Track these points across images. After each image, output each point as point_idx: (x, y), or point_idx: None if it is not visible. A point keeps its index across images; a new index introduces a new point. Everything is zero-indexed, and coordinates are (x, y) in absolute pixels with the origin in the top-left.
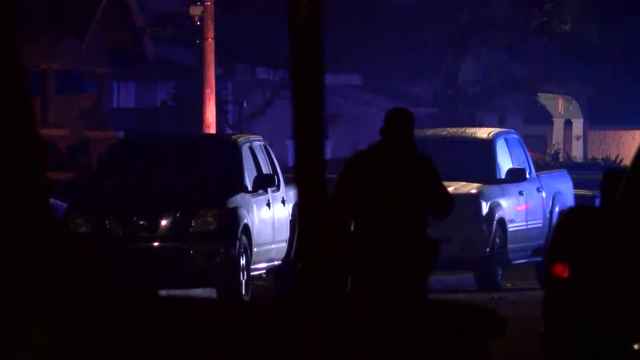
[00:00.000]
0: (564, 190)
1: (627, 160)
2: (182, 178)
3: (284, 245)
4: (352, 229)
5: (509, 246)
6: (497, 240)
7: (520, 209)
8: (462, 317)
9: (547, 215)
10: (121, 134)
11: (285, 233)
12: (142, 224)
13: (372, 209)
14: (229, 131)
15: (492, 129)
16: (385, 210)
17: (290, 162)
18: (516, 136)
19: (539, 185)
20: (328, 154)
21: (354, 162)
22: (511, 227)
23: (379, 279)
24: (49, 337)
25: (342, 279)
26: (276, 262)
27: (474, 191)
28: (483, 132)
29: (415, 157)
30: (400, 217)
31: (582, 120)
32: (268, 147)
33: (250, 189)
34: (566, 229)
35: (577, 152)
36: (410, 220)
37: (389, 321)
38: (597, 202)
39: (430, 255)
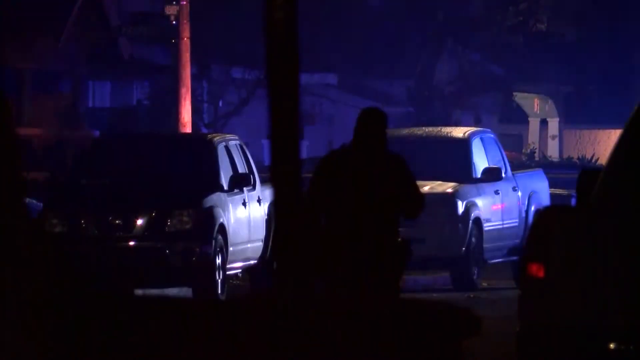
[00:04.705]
0: (539, 189)
1: (603, 159)
2: (158, 177)
3: (260, 244)
4: (324, 228)
5: (485, 245)
6: (473, 239)
7: (496, 209)
8: (436, 316)
9: (523, 214)
10: (97, 133)
11: (261, 232)
12: (118, 224)
13: (345, 209)
14: (204, 130)
15: (468, 128)
16: (357, 209)
17: (266, 161)
18: (492, 135)
19: (514, 184)
20: (304, 153)
21: (328, 161)
22: (487, 226)
23: (351, 279)
24: (29, 339)
25: (314, 278)
26: (252, 262)
27: (449, 190)
28: (459, 132)
29: (388, 156)
30: (372, 217)
31: (557, 119)
32: (244, 146)
33: (226, 188)
34: (542, 228)
35: (552, 151)
36: (383, 219)
37: (362, 320)
38: (573, 201)
39: (402, 255)
